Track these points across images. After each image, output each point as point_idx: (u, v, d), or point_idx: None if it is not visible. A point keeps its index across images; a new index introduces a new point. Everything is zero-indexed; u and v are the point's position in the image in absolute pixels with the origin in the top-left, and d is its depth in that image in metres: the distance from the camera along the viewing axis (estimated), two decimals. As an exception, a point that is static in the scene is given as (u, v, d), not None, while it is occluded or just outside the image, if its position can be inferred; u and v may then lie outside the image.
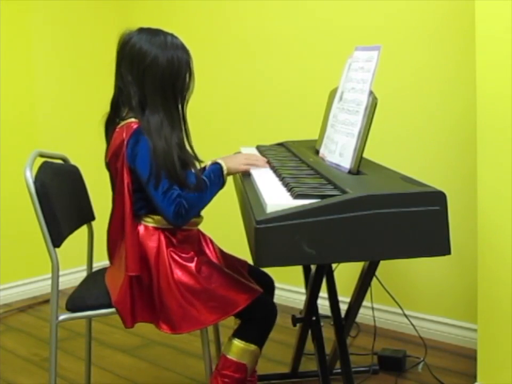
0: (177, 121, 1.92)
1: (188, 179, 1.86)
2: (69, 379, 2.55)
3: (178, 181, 1.84)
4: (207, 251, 2.06)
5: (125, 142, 1.84)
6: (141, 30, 1.91)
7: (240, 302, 1.87)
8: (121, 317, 1.89)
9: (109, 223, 1.98)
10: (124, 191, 1.86)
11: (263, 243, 1.42)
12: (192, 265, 1.89)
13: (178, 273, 1.87)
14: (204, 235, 2.10)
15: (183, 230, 1.94)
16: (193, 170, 1.90)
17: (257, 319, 1.93)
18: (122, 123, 1.89)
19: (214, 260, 2.04)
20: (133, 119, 1.87)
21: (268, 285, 2.16)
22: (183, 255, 1.90)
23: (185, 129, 1.96)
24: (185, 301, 1.85)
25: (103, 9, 3.87)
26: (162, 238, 1.90)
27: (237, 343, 1.91)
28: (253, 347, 1.92)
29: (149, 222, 1.91)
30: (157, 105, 1.86)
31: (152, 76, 1.86)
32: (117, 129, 1.90)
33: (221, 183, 1.92)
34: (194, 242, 2.02)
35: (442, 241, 1.46)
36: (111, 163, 1.93)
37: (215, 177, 1.90)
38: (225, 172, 1.93)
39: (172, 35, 1.92)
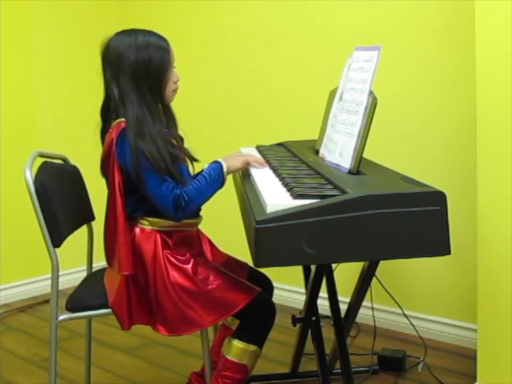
0: (157, 115, 1.91)
1: (181, 173, 1.87)
2: (69, 379, 2.55)
3: (171, 175, 1.84)
4: (205, 251, 2.07)
5: (114, 141, 1.85)
6: (117, 33, 1.94)
7: (239, 302, 1.87)
8: (118, 319, 1.89)
9: (105, 224, 1.96)
10: (115, 190, 1.86)
11: (263, 243, 1.41)
12: (188, 267, 1.89)
13: (174, 275, 1.87)
14: (202, 235, 2.10)
15: (180, 231, 1.95)
16: (184, 164, 1.91)
17: (256, 319, 1.93)
18: (113, 123, 1.90)
19: (210, 258, 2.04)
20: (122, 119, 1.88)
21: (267, 288, 2.16)
22: (179, 257, 1.90)
23: (171, 122, 1.97)
24: (182, 303, 1.85)
25: (103, 10, 3.87)
26: (158, 240, 1.90)
27: (237, 343, 1.92)
28: (253, 347, 1.92)
29: (145, 224, 1.92)
30: (134, 102, 1.87)
31: (125, 75, 1.88)
32: (110, 130, 1.90)
33: (220, 181, 1.92)
34: (193, 244, 2.01)
35: (442, 241, 1.46)
36: (105, 163, 1.93)
37: (215, 175, 1.91)
38: (225, 170, 1.93)
39: (146, 33, 1.92)
